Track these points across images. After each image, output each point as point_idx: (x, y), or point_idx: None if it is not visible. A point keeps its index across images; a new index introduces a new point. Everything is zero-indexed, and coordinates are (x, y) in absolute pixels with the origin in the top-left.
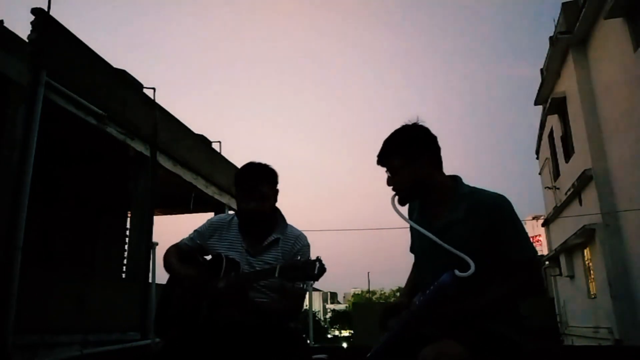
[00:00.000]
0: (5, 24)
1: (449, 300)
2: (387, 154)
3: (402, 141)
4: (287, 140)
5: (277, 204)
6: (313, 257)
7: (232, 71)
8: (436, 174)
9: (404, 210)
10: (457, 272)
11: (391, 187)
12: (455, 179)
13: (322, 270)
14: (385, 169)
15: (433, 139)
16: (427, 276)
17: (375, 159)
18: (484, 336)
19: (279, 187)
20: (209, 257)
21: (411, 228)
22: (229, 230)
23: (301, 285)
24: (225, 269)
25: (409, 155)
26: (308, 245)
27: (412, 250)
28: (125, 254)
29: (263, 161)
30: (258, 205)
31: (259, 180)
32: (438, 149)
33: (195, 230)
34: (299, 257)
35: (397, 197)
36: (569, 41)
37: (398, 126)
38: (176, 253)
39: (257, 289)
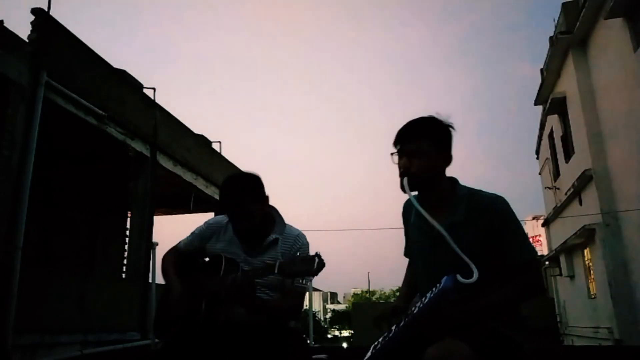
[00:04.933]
0: (5, 24)
1: (450, 304)
2: (418, 134)
3: (436, 127)
4: (287, 141)
5: (276, 203)
6: (311, 253)
7: (233, 71)
8: (445, 171)
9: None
10: (459, 277)
11: (407, 169)
12: (453, 180)
13: (322, 265)
14: (400, 153)
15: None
16: (427, 279)
17: (396, 136)
18: (487, 336)
19: (267, 190)
20: (207, 259)
21: (407, 230)
22: (226, 232)
23: (301, 282)
24: (224, 269)
25: (440, 144)
26: (307, 244)
27: (406, 254)
28: (125, 254)
29: (249, 169)
30: (248, 223)
31: (240, 202)
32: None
33: (192, 233)
34: (298, 254)
35: (408, 182)
36: (569, 41)
37: (402, 123)
38: (174, 259)
39: (257, 289)
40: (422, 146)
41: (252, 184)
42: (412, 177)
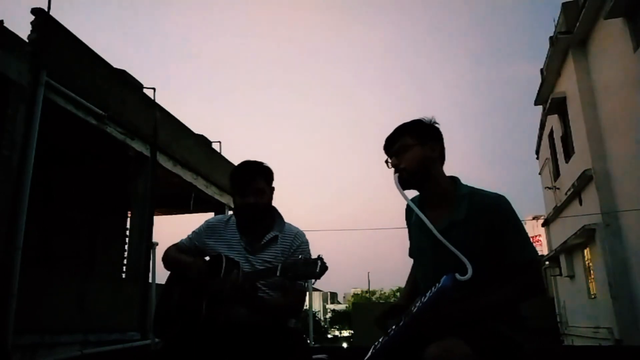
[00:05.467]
0: (5, 24)
1: (450, 303)
2: (400, 132)
3: (417, 123)
4: (288, 141)
5: (275, 204)
6: (312, 254)
7: (232, 71)
8: (439, 166)
9: (409, 194)
10: (458, 275)
11: (397, 166)
12: (454, 180)
13: (324, 268)
14: (390, 156)
15: (442, 137)
16: (427, 278)
17: (384, 143)
18: (487, 336)
19: (274, 185)
20: (207, 258)
21: (410, 231)
22: (226, 230)
23: (302, 283)
24: (225, 269)
25: (422, 136)
26: (307, 242)
27: (411, 255)
28: (125, 254)
29: (259, 159)
30: (254, 199)
31: (254, 175)
32: (444, 147)
33: (192, 232)
34: (299, 255)
35: (399, 177)
36: (569, 41)
37: (401, 123)
38: (176, 251)
39: (258, 288)
40: (406, 141)
41: (265, 166)
42: (402, 172)
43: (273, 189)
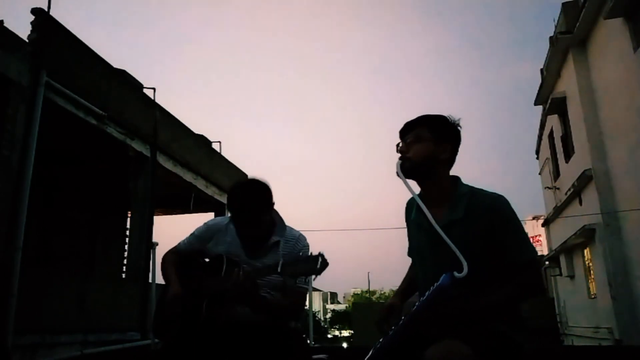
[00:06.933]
0: (5, 24)
1: (449, 302)
2: (420, 122)
3: (438, 120)
4: (288, 140)
5: (276, 204)
6: (313, 253)
7: (232, 71)
8: (446, 168)
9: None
10: (456, 273)
11: (403, 153)
12: (455, 179)
13: (325, 264)
14: (403, 141)
15: (460, 140)
16: (427, 277)
17: (402, 127)
18: (487, 336)
19: (274, 197)
20: (207, 259)
21: (409, 229)
22: (226, 234)
23: (304, 281)
24: (226, 269)
25: (439, 134)
26: (308, 246)
27: (410, 254)
28: (125, 254)
29: (256, 175)
30: (256, 230)
31: (255, 211)
32: (458, 151)
33: (192, 235)
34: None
35: (401, 165)
36: (569, 41)
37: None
38: (175, 260)
39: (260, 287)
40: (422, 133)
41: (263, 192)
42: (406, 161)
43: (273, 204)
